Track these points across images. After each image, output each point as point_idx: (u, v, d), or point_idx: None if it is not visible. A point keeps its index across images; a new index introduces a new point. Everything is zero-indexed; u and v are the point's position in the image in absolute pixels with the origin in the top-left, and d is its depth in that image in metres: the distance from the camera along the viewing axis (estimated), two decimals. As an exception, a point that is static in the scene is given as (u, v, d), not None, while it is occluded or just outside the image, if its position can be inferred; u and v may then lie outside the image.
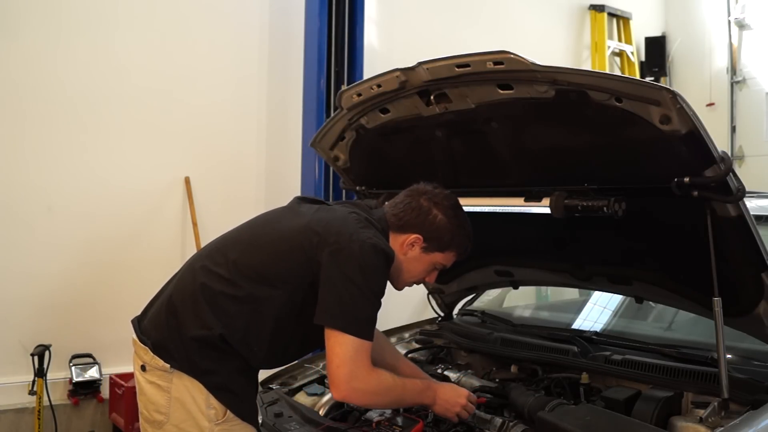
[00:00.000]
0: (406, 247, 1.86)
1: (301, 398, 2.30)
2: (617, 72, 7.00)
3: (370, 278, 1.69)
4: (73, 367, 4.12)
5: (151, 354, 1.75)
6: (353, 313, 1.67)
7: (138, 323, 1.87)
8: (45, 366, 3.82)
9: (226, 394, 1.72)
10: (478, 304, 2.98)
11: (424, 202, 1.87)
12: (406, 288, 1.99)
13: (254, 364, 1.80)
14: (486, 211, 2.09)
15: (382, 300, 1.74)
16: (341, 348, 1.65)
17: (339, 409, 2.19)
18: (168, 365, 1.73)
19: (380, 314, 1.75)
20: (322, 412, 2.18)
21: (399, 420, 1.91)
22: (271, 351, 1.78)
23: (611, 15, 7.03)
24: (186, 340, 1.71)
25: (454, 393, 1.92)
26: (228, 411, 1.72)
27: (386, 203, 1.99)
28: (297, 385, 2.39)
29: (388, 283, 1.83)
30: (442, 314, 2.90)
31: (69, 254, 4.19)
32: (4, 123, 4.04)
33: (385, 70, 2.00)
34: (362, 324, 1.68)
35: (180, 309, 1.76)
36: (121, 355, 3.97)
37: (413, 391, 1.87)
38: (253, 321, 1.73)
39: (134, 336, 1.84)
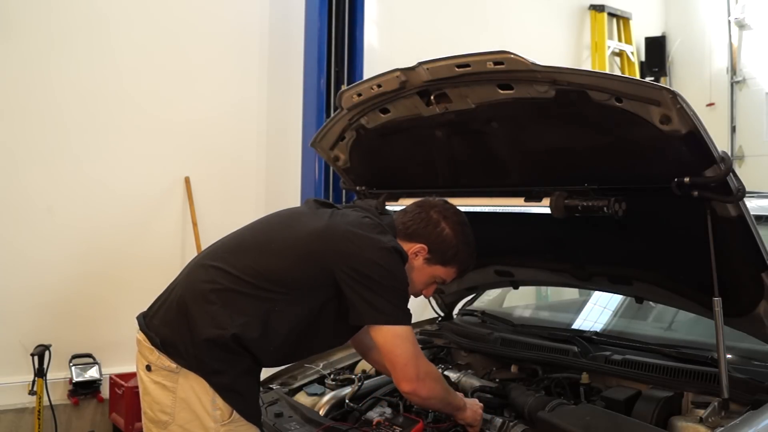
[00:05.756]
0: (410, 255, 1.87)
1: (301, 398, 2.31)
2: (617, 72, 6.99)
3: (396, 276, 1.75)
4: (73, 367, 4.12)
5: (157, 354, 1.75)
6: (392, 306, 1.73)
7: (143, 319, 1.85)
8: (45, 366, 3.81)
9: (233, 395, 1.72)
10: (478, 304, 2.98)
11: (434, 215, 1.90)
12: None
13: (265, 364, 1.81)
14: (486, 211, 2.09)
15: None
16: (397, 344, 1.73)
17: (339, 409, 2.19)
18: (174, 364, 1.72)
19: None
20: (322, 412, 2.18)
21: (399, 420, 1.91)
22: (284, 351, 1.80)
23: (611, 15, 7.04)
24: (197, 341, 1.70)
25: (475, 403, 1.98)
26: (234, 412, 1.72)
27: (395, 212, 1.99)
28: (297, 385, 2.40)
29: None
30: (442, 314, 2.90)
31: (69, 254, 4.19)
32: (5, 124, 4.04)
33: (385, 70, 2.00)
34: (403, 312, 1.76)
35: (192, 308, 1.75)
36: (121, 355, 3.99)
37: (452, 392, 1.94)
38: (270, 322, 1.73)
39: (139, 335, 1.83)
